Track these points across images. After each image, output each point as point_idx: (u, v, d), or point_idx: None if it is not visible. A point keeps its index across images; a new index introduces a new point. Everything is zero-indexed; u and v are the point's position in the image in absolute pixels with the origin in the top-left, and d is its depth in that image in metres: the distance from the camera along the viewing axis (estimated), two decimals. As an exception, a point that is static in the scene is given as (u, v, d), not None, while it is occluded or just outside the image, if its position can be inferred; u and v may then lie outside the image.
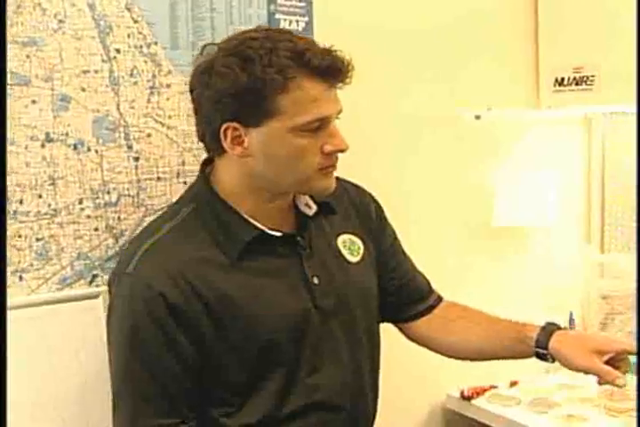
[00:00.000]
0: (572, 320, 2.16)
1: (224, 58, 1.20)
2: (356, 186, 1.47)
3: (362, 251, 1.40)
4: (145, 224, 1.42)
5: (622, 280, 2.14)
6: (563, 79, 2.02)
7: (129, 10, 1.53)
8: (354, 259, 1.39)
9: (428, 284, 1.53)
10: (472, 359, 1.50)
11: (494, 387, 2.05)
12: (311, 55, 1.17)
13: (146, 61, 1.56)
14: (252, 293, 1.24)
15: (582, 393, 1.98)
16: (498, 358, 1.47)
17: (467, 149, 2.02)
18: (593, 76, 1.94)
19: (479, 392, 2.02)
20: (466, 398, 2.01)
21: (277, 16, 1.70)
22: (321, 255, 1.33)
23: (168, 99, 1.59)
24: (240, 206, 1.27)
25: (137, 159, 1.57)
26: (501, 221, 2.07)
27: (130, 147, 1.56)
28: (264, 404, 1.26)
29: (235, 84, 1.17)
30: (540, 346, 1.35)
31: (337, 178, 1.32)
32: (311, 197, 1.35)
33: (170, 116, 1.60)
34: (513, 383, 2.07)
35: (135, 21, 1.54)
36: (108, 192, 1.54)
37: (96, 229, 1.54)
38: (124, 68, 1.54)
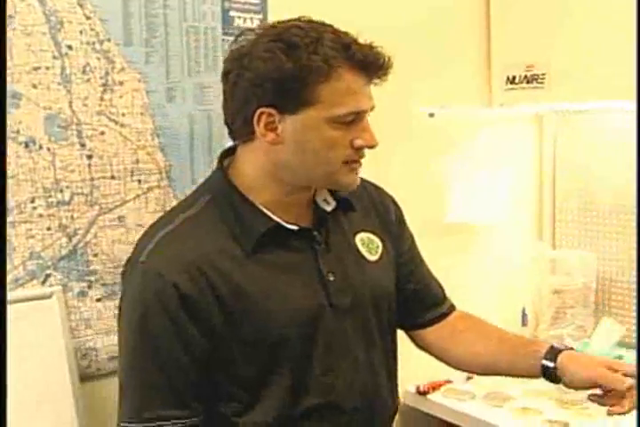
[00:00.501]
0: (524, 315, 2.20)
1: (267, 43, 1.18)
2: (378, 187, 1.47)
3: (380, 250, 1.38)
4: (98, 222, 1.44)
5: (573, 276, 2.18)
6: (514, 77, 2.05)
7: (81, 6, 1.51)
8: (372, 257, 1.37)
9: (443, 292, 1.51)
10: (478, 373, 1.52)
11: (449, 382, 2.07)
12: (356, 49, 1.18)
13: (99, 58, 1.54)
14: (266, 286, 1.22)
15: (536, 386, 2.00)
16: (504, 374, 1.46)
17: (421, 146, 2.04)
18: (544, 74, 1.98)
19: (435, 387, 2.05)
20: (422, 393, 2.03)
21: (232, 13, 1.70)
22: (337, 252, 1.31)
23: (121, 96, 1.58)
24: (257, 199, 1.25)
25: (90, 157, 1.55)
26: (454, 217, 2.10)
27: (83, 145, 1.54)
28: (276, 402, 1.24)
29: (278, 69, 1.16)
30: (548, 358, 1.33)
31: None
32: (330, 192, 1.34)
33: (123, 114, 1.58)
34: (468, 378, 2.10)
35: (87, 17, 1.52)
36: (61, 191, 1.52)
37: (49, 229, 1.52)
38: (76, 64, 1.52)
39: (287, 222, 1.26)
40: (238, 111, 1.23)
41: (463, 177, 2.13)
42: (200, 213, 1.25)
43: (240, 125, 1.24)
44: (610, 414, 1.29)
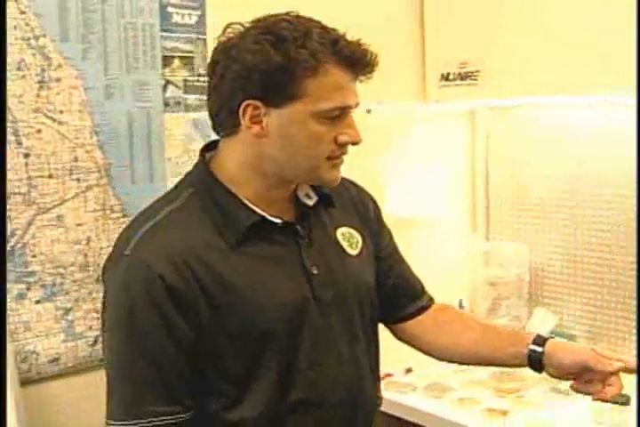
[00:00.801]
0: (461, 307, 2.24)
1: (256, 35, 1.17)
2: (357, 185, 1.47)
3: (360, 245, 1.39)
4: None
5: (506, 267, 2.24)
6: (449, 74, 2.08)
7: (15, 0, 1.47)
8: (353, 251, 1.37)
9: (422, 286, 1.53)
10: (462, 363, 1.53)
11: (390, 375, 2.10)
12: (344, 44, 1.18)
13: (34, 54, 1.51)
14: (251, 279, 1.21)
15: (474, 377, 2.06)
16: (487, 362, 1.48)
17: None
18: (477, 71, 2.02)
19: (376, 380, 2.07)
20: (363, 386, 2.05)
21: (169, 9, 1.68)
22: (320, 246, 1.31)
23: (58, 93, 1.55)
24: (241, 192, 1.24)
25: (27, 156, 1.52)
26: (392, 212, 2.12)
27: (19, 143, 1.51)
28: (263, 396, 1.23)
29: (266, 61, 1.15)
30: (536, 344, 1.34)
31: None
32: (312, 187, 1.33)
33: (61, 111, 1.55)
34: (408, 371, 2.13)
35: (22, 12, 1.49)
36: (-2, 190, 1.49)
37: (-15, 229, 1.48)
38: (11, 61, 1.48)
39: (271, 216, 1.25)
40: (224, 103, 1.22)
41: (400, 172, 2.16)
42: (183, 207, 1.24)
43: (225, 117, 1.22)
44: (595, 400, 1.34)
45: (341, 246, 1.35)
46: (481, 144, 2.33)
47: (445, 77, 2.10)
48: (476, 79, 2.03)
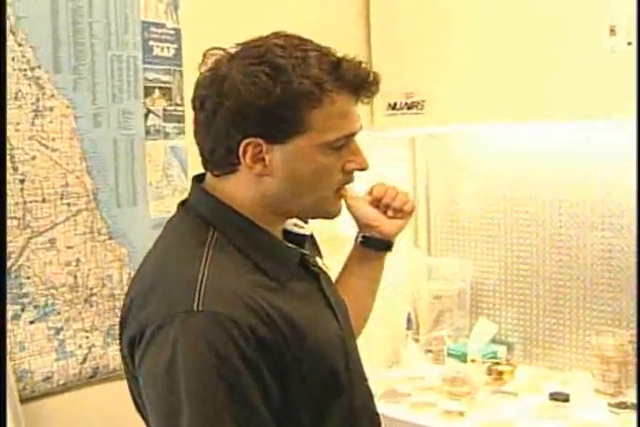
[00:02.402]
0: (409, 320, 2.40)
1: (247, 66, 1.08)
2: None
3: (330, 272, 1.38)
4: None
5: (450, 281, 2.41)
6: (395, 104, 2.25)
7: (13, 33, 1.54)
8: (334, 281, 1.37)
9: None
10: (361, 322, 1.52)
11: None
12: (346, 68, 1.10)
13: (30, 85, 1.58)
14: (306, 317, 1.12)
15: (426, 383, 2.21)
16: (367, 296, 1.53)
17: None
18: (423, 100, 2.20)
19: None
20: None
21: (150, 43, 1.77)
22: (323, 276, 1.27)
23: (51, 121, 1.61)
24: (262, 224, 1.16)
25: (22, 181, 1.58)
26: (347, 231, 2.26)
27: (15, 169, 1.57)
28: None
29: (265, 96, 1.06)
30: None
31: None
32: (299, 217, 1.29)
33: (53, 139, 1.62)
34: (362, 380, 2.26)
35: (19, 45, 1.56)
36: (-5, 215, 1.54)
37: (-17, 253, 1.53)
38: (8, 91, 1.55)
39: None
40: (218, 141, 1.12)
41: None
42: (219, 248, 1.12)
43: (222, 157, 1.13)
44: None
45: (327, 274, 1.33)
46: (421, 168, 2.52)
47: (392, 107, 2.26)
48: (422, 108, 2.21)
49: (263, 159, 1.11)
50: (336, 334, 1.21)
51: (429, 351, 2.41)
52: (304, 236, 1.28)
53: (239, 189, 1.16)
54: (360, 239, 1.50)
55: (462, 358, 2.28)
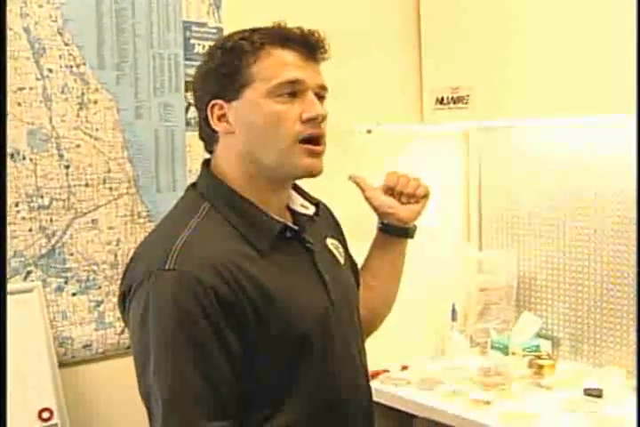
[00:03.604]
0: (454, 311, 2.43)
1: (210, 48, 1.32)
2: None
3: (344, 255, 1.47)
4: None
5: (497, 274, 2.44)
6: (442, 98, 2.30)
7: (61, 34, 1.72)
8: (341, 260, 1.44)
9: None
10: (385, 307, 1.61)
11: (387, 371, 2.30)
12: (284, 30, 1.26)
13: (75, 80, 1.75)
14: (283, 286, 1.22)
15: (463, 373, 2.25)
16: (390, 282, 1.62)
17: (359, 158, 2.26)
18: (468, 95, 2.24)
19: (373, 376, 2.25)
20: (362, 381, 2.24)
21: (192, 41, 1.91)
22: (322, 254, 1.36)
23: (95, 113, 1.78)
24: (252, 197, 1.27)
25: (67, 167, 1.75)
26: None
27: (61, 156, 1.74)
28: (300, 404, 1.25)
29: (213, 61, 1.26)
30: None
31: None
32: (306, 198, 1.39)
33: (97, 129, 1.79)
34: (404, 367, 2.33)
35: (66, 44, 1.73)
36: (42, 196, 1.72)
37: (30, 230, 1.71)
38: (55, 85, 1.72)
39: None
40: (200, 115, 1.30)
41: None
42: (207, 219, 1.24)
43: (204, 129, 1.30)
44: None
45: (334, 255, 1.42)
46: (474, 162, 2.54)
47: (440, 101, 2.31)
48: (466, 103, 2.25)
49: (227, 118, 1.26)
50: (319, 306, 1.29)
51: (477, 344, 2.44)
52: (310, 216, 1.38)
53: (224, 159, 1.29)
54: (379, 226, 1.61)
55: (505, 350, 2.31)
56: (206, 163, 1.35)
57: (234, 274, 1.18)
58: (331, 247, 1.43)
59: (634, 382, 2.07)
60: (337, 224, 1.56)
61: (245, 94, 1.24)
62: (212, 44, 1.90)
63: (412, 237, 1.63)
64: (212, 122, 1.27)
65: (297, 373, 1.25)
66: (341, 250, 1.48)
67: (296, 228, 1.31)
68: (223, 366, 1.17)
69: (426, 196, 1.61)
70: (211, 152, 1.34)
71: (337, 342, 1.32)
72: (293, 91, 1.24)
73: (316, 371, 1.27)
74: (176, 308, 1.15)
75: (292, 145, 1.24)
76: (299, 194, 1.41)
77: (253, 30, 1.27)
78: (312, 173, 1.28)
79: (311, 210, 1.39)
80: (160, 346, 1.16)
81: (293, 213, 1.38)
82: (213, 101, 1.26)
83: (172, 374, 1.15)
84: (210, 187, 1.30)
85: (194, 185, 1.35)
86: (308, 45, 1.26)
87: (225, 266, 1.17)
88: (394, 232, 1.60)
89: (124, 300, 1.24)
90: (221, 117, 1.26)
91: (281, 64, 1.24)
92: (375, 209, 1.62)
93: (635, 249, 2.16)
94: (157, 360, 1.16)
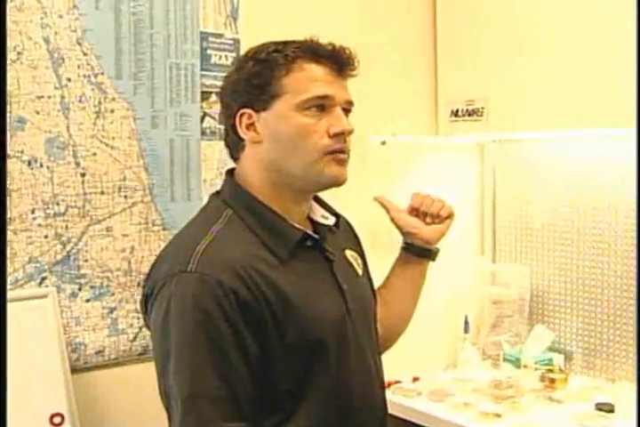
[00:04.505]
0: (466, 323, 2.43)
1: (240, 57, 1.36)
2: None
3: (362, 266, 1.49)
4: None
5: (510, 287, 2.43)
6: (457, 110, 2.31)
7: (79, 44, 1.75)
8: (360, 272, 1.46)
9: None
10: (401, 323, 1.64)
11: (399, 382, 2.30)
12: (316, 45, 1.30)
13: (93, 89, 1.77)
14: (302, 292, 1.25)
15: (474, 385, 2.25)
16: (409, 301, 1.66)
17: (374, 170, 2.27)
18: (482, 108, 2.25)
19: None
20: (373, 391, 2.25)
21: (209, 52, 1.94)
22: (341, 264, 1.39)
23: (112, 122, 1.81)
24: (275, 206, 1.30)
25: (83, 175, 1.78)
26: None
27: (78, 164, 1.77)
28: (314, 409, 1.27)
29: (245, 72, 1.29)
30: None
31: None
32: (327, 210, 1.42)
33: (113, 138, 1.81)
34: (415, 379, 2.32)
35: (85, 54, 1.76)
36: (58, 203, 1.74)
37: (46, 237, 1.73)
38: (73, 94, 1.75)
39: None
40: (226, 122, 1.33)
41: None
42: (228, 226, 1.28)
43: (231, 137, 1.34)
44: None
45: (352, 266, 1.45)
46: (489, 174, 2.55)
47: (455, 113, 2.32)
48: (481, 115, 2.25)
49: (255, 127, 1.29)
50: (336, 313, 1.32)
51: (489, 357, 2.44)
52: (330, 227, 1.42)
53: (249, 167, 1.33)
54: (403, 245, 1.67)
55: (517, 363, 2.30)
56: (230, 171, 1.39)
57: (253, 278, 1.21)
58: (350, 259, 1.46)
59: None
60: (356, 238, 1.58)
61: (275, 105, 1.28)
62: (227, 54, 1.97)
63: (433, 259, 1.69)
64: (240, 130, 1.30)
65: (311, 378, 1.27)
66: (360, 262, 1.51)
67: (316, 236, 1.34)
68: (241, 367, 1.20)
69: (450, 216, 1.68)
70: (236, 159, 1.37)
71: (352, 350, 1.34)
72: (322, 105, 1.28)
73: (331, 377, 1.29)
74: (196, 309, 1.18)
75: (319, 158, 1.28)
76: (320, 206, 1.43)
77: (285, 43, 1.30)
78: (337, 182, 1.32)
79: (331, 221, 1.42)
80: (180, 346, 1.19)
81: (314, 223, 1.41)
82: (242, 110, 1.29)
83: (190, 375, 1.19)
84: (232, 194, 1.34)
85: (217, 193, 1.40)
86: (339, 62, 1.30)
87: (245, 270, 1.21)
88: (416, 252, 1.66)
89: (147, 301, 1.28)
90: (249, 126, 1.30)
91: (312, 79, 1.27)
92: (400, 229, 1.68)
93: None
94: (177, 361, 1.20)
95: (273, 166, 1.30)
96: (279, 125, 1.28)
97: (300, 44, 1.30)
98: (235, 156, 1.37)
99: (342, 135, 1.29)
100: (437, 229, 1.66)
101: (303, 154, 1.28)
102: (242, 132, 1.30)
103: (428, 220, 1.66)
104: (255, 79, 1.28)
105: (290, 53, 1.27)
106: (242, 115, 1.30)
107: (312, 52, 1.28)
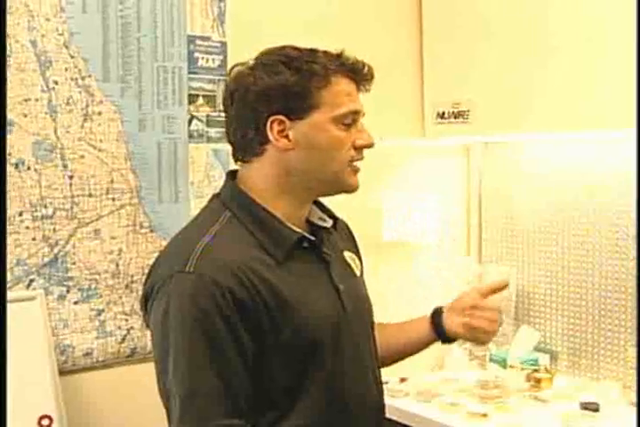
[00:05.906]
0: (453, 323, 2.44)
1: (268, 59, 1.30)
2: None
3: (359, 267, 1.50)
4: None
5: (496, 288, 2.45)
6: (443, 113, 2.33)
7: (67, 47, 1.75)
8: (357, 272, 1.48)
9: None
10: (388, 362, 1.60)
11: (386, 383, 2.29)
12: (346, 57, 1.32)
13: (80, 92, 1.78)
14: (298, 292, 1.28)
15: (461, 386, 2.26)
16: (408, 352, 1.63)
17: (361, 173, 2.28)
18: (468, 110, 2.26)
19: (372, 387, 2.28)
20: (361, 392, 2.25)
21: (196, 55, 1.95)
22: (338, 265, 1.41)
23: (99, 125, 1.81)
24: (275, 210, 1.33)
25: (71, 177, 1.78)
26: (390, 236, 2.36)
27: (65, 166, 1.77)
28: (310, 408, 1.29)
29: (283, 79, 1.27)
30: (434, 322, 1.58)
31: None
32: (325, 212, 1.43)
33: (101, 140, 1.82)
34: (402, 380, 2.34)
35: (72, 57, 1.76)
36: (45, 206, 1.75)
37: (34, 239, 1.74)
38: (61, 97, 1.75)
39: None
40: (249, 124, 1.31)
41: (400, 201, 2.39)
42: (227, 227, 1.30)
43: (252, 138, 1.31)
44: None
45: (350, 267, 1.47)
46: (475, 176, 2.57)
47: (441, 116, 2.34)
48: (467, 118, 2.27)
49: (287, 135, 1.30)
50: (332, 313, 1.34)
51: (476, 357, 2.45)
52: (327, 228, 1.43)
53: (262, 170, 1.33)
54: (431, 320, 1.60)
55: (503, 363, 2.32)
56: (231, 173, 1.40)
57: (250, 278, 1.23)
58: (348, 260, 1.48)
59: (631, 397, 2.08)
60: (354, 240, 1.58)
61: (312, 116, 1.29)
62: (214, 57, 1.97)
63: (448, 343, 1.65)
64: (271, 136, 1.30)
65: (307, 376, 1.29)
66: (358, 263, 1.51)
67: (313, 238, 1.35)
68: (238, 366, 1.22)
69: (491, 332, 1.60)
70: (245, 161, 1.36)
71: (348, 349, 1.36)
72: (351, 121, 1.32)
73: (326, 376, 1.31)
74: (194, 308, 1.21)
75: (345, 168, 1.33)
76: (319, 208, 1.44)
77: (315, 51, 1.31)
78: (354, 189, 1.37)
79: (329, 223, 1.43)
80: (178, 345, 1.22)
81: (311, 224, 1.42)
82: (275, 116, 1.29)
83: (189, 373, 1.21)
84: (232, 197, 1.36)
85: (217, 195, 1.41)
86: (363, 78, 1.34)
87: (242, 270, 1.23)
88: (440, 334, 1.60)
89: (147, 301, 1.30)
90: (281, 133, 1.30)
91: (346, 93, 1.31)
92: (455, 303, 1.62)
93: (634, 264, 2.18)
94: (175, 359, 1.22)
95: (298, 172, 1.32)
96: (316, 136, 1.30)
97: (331, 56, 1.32)
98: (245, 158, 1.35)
99: (365, 148, 1.35)
100: (477, 335, 1.59)
101: (333, 164, 1.32)
102: (273, 137, 1.30)
103: (467, 312, 1.58)
104: (293, 87, 1.28)
105: (328, 66, 1.29)
106: (273, 121, 1.29)
107: (346, 67, 1.31)
